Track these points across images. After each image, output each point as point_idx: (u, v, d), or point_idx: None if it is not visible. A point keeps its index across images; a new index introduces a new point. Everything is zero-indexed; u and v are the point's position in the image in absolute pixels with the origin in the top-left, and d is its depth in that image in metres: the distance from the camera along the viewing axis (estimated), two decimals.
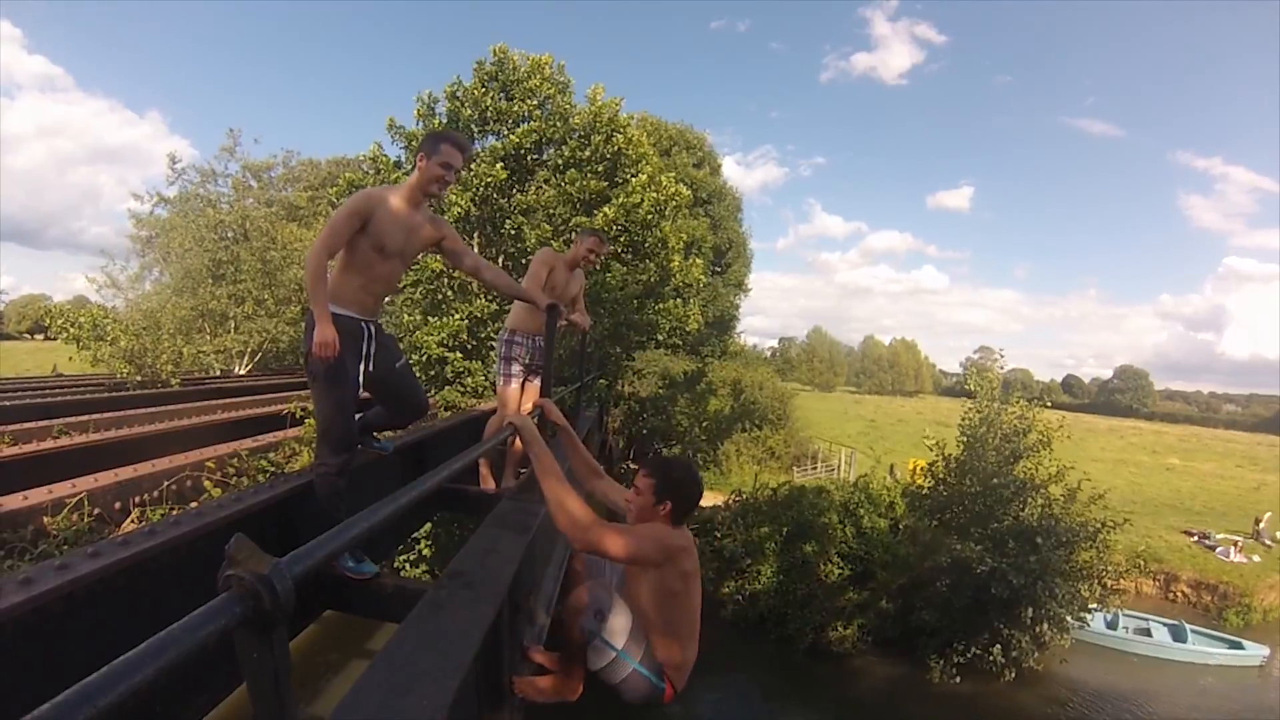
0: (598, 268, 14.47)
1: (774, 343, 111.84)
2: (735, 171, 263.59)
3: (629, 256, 15.47)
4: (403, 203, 3.94)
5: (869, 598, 17.05)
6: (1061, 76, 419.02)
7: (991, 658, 15.92)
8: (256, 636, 1.20)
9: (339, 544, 1.52)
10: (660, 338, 16.73)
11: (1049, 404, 18.48)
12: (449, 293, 14.18)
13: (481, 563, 3.44)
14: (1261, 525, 28.14)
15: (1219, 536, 26.70)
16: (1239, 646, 19.88)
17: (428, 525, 12.38)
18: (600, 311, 14.32)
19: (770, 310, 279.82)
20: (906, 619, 16.98)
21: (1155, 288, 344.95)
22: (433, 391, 13.46)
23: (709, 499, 19.80)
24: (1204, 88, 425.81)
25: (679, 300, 16.75)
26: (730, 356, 37.71)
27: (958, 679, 15.94)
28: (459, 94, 15.47)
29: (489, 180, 14.35)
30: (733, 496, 19.93)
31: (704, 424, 17.13)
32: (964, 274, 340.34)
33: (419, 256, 8.70)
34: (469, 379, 13.65)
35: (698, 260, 17.65)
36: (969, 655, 16.10)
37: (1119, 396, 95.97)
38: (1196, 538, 26.97)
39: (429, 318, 14.13)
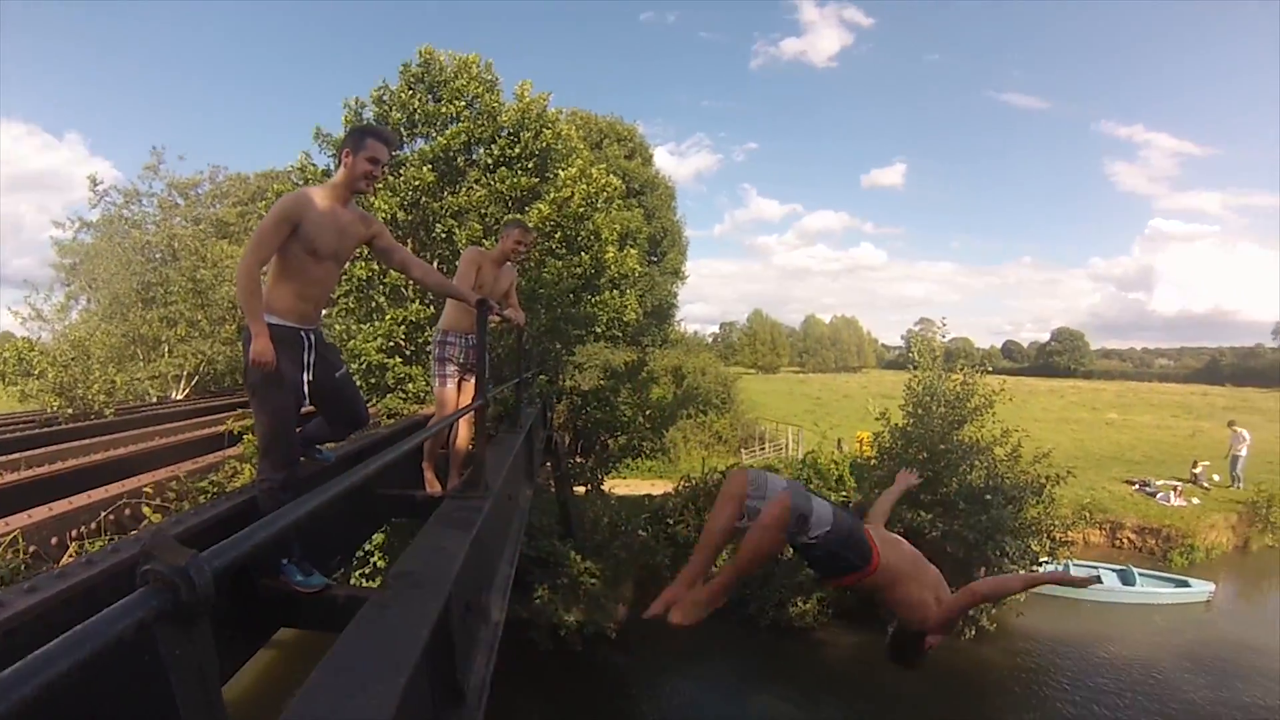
0: (531, 262, 14.49)
1: (716, 329, 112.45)
2: (668, 161, 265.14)
3: (563, 251, 15.44)
4: (332, 202, 3.87)
5: None
6: (987, 52, 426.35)
7: None
8: (177, 630, 1.21)
9: (263, 536, 1.53)
10: (599, 330, 16.72)
11: (990, 369, 18.81)
12: (381, 299, 14.07)
13: (426, 561, 3.46)
14: (1198, 470, 29.06)
15: (1159, 483, 27.49)
16: (1185, 585, 20.71)
17: (380, 536, 12.30)
18: (537, 307, 14.28)
19: (711, 297, 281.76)
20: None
21: (1086, 252, 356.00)
22: (374, 400, 13.35)
23: (658, 488, 19.84)
24: (1124, 57, 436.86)
25: (616, 291, 16.75)
26: (671, 345, 37.89)
27: None
28: (386, 98, 15.30)
29: (418, 184, 14.24)
30: (682, 482, 19.88)
31: (647, 413, 17.10)
32: (901, 249, 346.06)
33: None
34: (410, 385, 13.56)
35: (632, 251, 17.65)
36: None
37: (1057, 358, 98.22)
38: (1138, 486, 27.76)
39: (362, 325, 14.01)
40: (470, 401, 5.60)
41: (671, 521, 18.31)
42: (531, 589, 14.49)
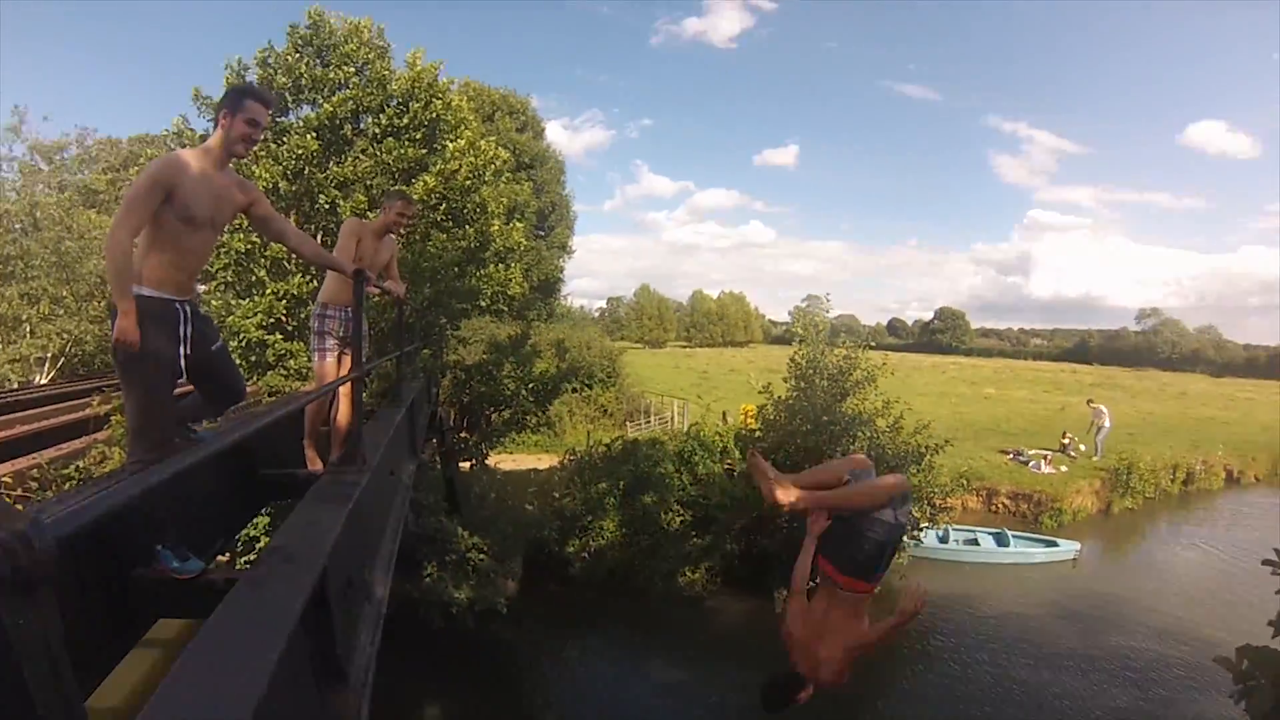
0: (416, 235, 14.22)
1: (603, 304, 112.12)
2: (561, 136, 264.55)
3: (448, 224, 15.18)
4: (208, 166, 3.70)
5: (713, 540, 17.54)
6: (885, 43, 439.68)
7: None
8: (18, 599, 1.17)
9: (112, 502, 1.49)
10: (484, 304, 16.47)
11: (873, 345, 19.42)
12: (262, 273, 13.57)
13: (301, 536, 3.37)
14: (1067, 441, 31.12)
15: (1031, 453, 29.30)
16: (1054, 545, 22.28)
17: (264, 520, 11.94)
18: (420, 281, 14.01)
19: (599, 272, 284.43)
20: (751, 557, 17.67)
21: (970, 237, 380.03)
22: (254, 378, 12.94)
23: (544, 462, 19.88)
24: (1013, 57, 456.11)
25: (501, 265, 16.53)
26: (557, 319, 37.59)
27: None
28: (271, 60, 14.50)
29: (301, 152, 13.76)
30: (567, 456, 19.90)
31: (530, 385, 16.96)
32: (792, 227, 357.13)
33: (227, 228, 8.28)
34: (291, 361, 13.16)
35: (519, 224, 17.49)
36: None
37: (939, 336, 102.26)
38: (1012, 455, 29.60)
39: (241, 300, 13.53)
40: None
41: (558, 495, 18.32)
42: (421, 567, 14.28)
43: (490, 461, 18.82)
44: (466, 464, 18.08)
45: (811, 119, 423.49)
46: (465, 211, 15.30)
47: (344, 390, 5.23)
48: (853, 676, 3.90)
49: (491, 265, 16.23)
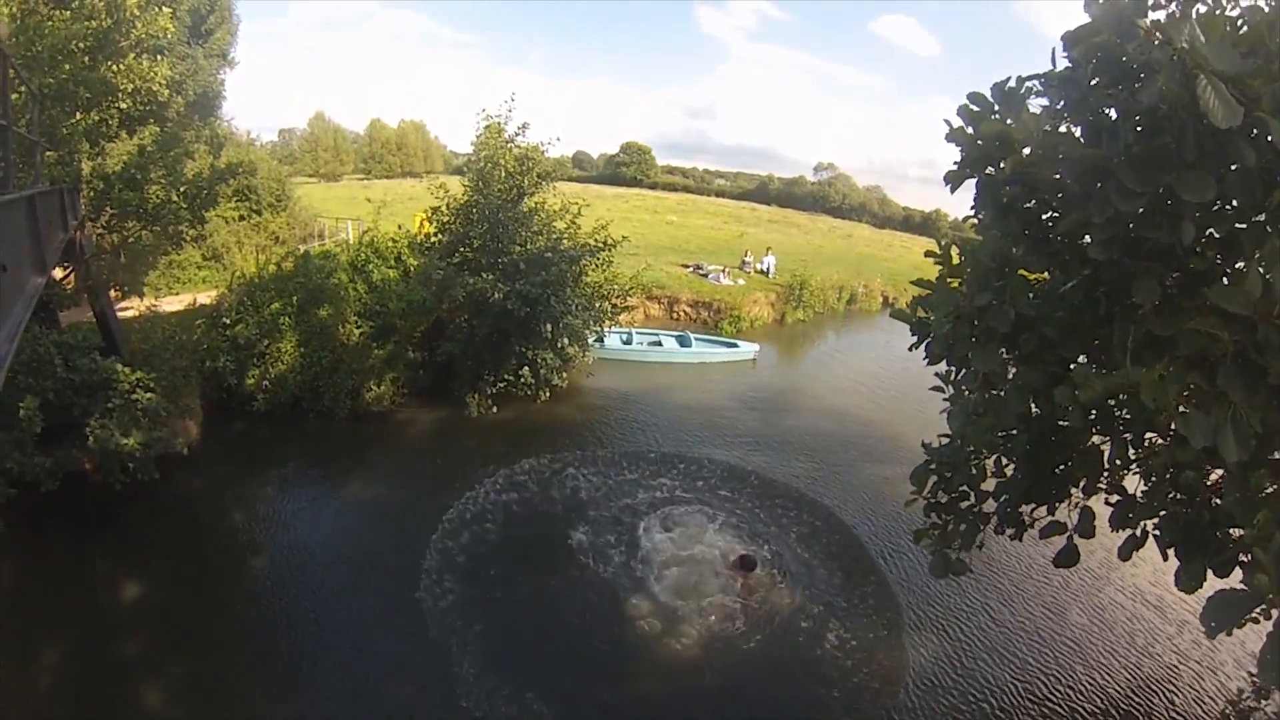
0: (32, 11, 12.87)
1: (274, 137, 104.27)
2: None
3: (74, 1, 13.69)
4: None
5: (395, 350, 17.83)
6: None
7: (523, 380, 17.97)
8: None
9: None
10: (124, 106, 15.09)
11: (546, 143, 20.30)
12: None
13: None
14: (747, 258, 34.81)
15: (711, 267, 32.41)
16: (735, 345, 25.40)
17: None
18: (40, 67, 12.76)
19: (267, 104, 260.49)
20: (436, 365, 18.30)
21: (664, 80, 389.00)
22: None
23: (212, 296, 19.11)
24: None
25: (142, 57, 15.11)
26: (219, 143, 33.75)
27: (495, 409, 17.85)
28: None
29: None
30: (237, 278, 18.77)
31: (182, 190, 15.62)
32: (476, 56, 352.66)
33: None
34: None
35: (165, 9, 15.81)
36: (501, 384, 17.98)
37: (624, 169, 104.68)
38: (692, 269, 32.68)
39: None
40: None
41: (229, 322, 17.37)
42: (82, 428, 12.93)
43: (152, 301, 17.61)
44: (123, 302, 16.91)
45: None
46: None
47: None
48: None
49: (131, 56, 14.77)
